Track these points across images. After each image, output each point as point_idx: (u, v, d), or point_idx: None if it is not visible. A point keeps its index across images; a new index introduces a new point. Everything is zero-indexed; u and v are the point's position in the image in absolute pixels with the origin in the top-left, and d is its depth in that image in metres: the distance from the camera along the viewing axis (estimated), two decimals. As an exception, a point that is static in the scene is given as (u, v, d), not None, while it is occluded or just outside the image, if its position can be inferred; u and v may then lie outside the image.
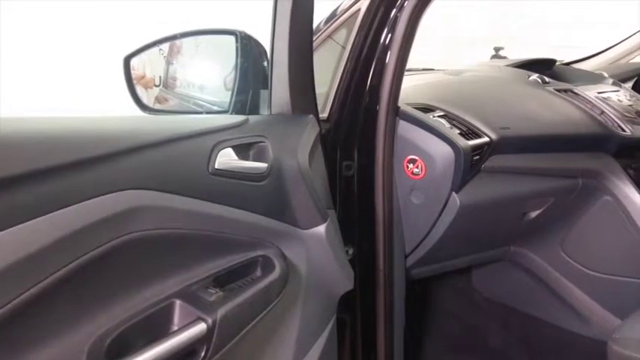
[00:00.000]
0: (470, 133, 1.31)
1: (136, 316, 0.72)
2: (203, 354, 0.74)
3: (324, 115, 1.19)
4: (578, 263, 1.73)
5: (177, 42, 1.19)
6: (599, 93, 1.75)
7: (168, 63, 1.21)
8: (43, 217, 0.60)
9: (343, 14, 1.27)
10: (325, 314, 1.08)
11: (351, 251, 1.19)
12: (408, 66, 1.24)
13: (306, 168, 0.95)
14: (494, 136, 1.32)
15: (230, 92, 1.09)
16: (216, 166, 0.83)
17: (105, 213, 0.66)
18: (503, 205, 1.45)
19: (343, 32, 1.25)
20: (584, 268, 1.72)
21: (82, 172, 0.66)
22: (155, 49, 1.18)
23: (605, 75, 1.98)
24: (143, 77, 1.19)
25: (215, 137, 0.85)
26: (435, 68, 1.95)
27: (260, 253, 0.90)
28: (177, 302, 0.76)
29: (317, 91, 1.09)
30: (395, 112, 1.25)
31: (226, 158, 0.86)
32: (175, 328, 0.75)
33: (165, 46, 1.19)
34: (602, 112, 1.64)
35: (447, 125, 1.30)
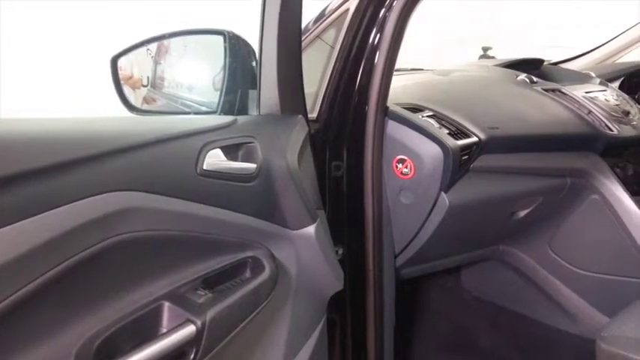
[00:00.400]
0: (458, 132, 1.31)
1: (125, 319, 0.71)
2: (192, 356, 0.74)
3: (313, 115, 1.19)
4: (566, 262, 1.74)
5: (165, 42, 1.18)
6: (586, 93, 1.77)
7: (156, 63, 1.21)
8: (31, 219, 0.60)
9: (332, 14, 1.27)
10: (315, 315, 1.08)
11: (340, 251, 1.19)
12: (397, 66, 1.24)
13: (295, 168, 0.95)
14: (482, 136, 1.32)
15: (218, 92, 1.08)
16: (204, 167, 0.82)
17: (93, 214, 0.66)
18: (492, 205, 1.46)
19: (332, 32, 1.25)
20: (572, 267, 1.73)
21: (70, 173, 0.66)
22: (143, 49, 1.17)
23: (593, 75, 1.99)
24: (131, 78, 1.18)
25: (203, 138, 0.85)
26: (424, 68, 1.96)
27: (249, 254, 0.89)
28: (166, 304, 0.76)
29: (306, 91, 1.09)
30: (384, 112, 1.25)
31: (215, 159, 0.85)
32: (164, 330, 0.75)
33: (153, 46, 1.19)
34: (590, 112, 1.66)
35: (436, 125, 1.30)
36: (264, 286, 0.87)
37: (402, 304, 1.43)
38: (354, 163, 1.22)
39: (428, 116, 1.33)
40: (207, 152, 0.84)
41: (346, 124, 1.21)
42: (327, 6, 1.31)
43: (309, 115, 1.13)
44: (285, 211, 0.95)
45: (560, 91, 1.72)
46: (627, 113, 1.79)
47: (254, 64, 1.06)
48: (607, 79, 2.02)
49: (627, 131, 1.71)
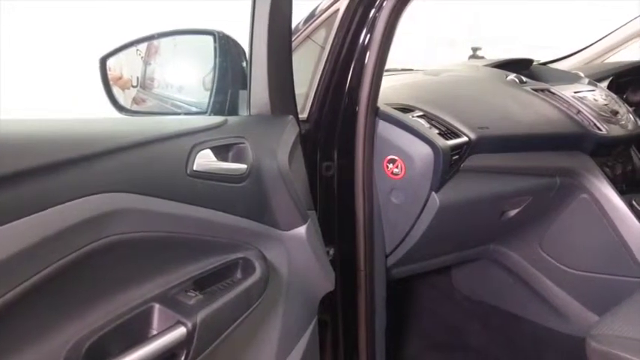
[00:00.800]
0: (449, 132, 1.31)
1: (115, 321, 0.71)
2: (183, 358, 0.73)
3: (303, 115, 1.19)
4: (556, 261, 1.75)
5: (155, 42, 1.18)
6: (575, 92, 1.78)
7: (146, 63, 1.20)
8: (19, 221, 0.59)
9: (322, 14, 1.27)
10: (306, 315, 1.08)
11: (331, 252, 1.19)
12: (387, 66, 1.25)
13: (285, 169, 0.95)
14: (472, 136, 1.33)
15: (208, 93, 1.08)
16: (194, 168, 0.82)
17: (82, 216, 0.65)
18: (483, 204, 1.46)
19: (322, 32, 1.25)
20: (562, 266, 1.74)
21: (59, 174, 0.65)
22: (132, 50, 1.16)
23: (581, 75, 2.00)
24: (120, 78, 1.17)
25: (193, 138, 0.85)
26: (414, 68, 1.96)
27: (240, 255, 0.89)
28: (157, 306, 0.75)
29: (296, 91, 1.09)
30: (374, 112, 1.25)
31: (205, 160, 0.85)
32: (155, 332, 0.74)
33: (143, 47, 1.18)
34: (579, 112, 1.67)
35: (426, 125, 1.30)
36: (255, 287, 0.86)
37: (393, 304, 1.43)
38: (345, 164, 1.22)
39: (418, 116, 1.33)
40: (197, 153, 0.83)
41: (337, 124, 1.21)
42: (317, 6, 1.31)
43: (300, 116, 1.13)
44: (275, 211, 0.95)
45: (549, 91, 1.72)
46: (616, 113, 1.80)
47: (244, 64, 1.06)
48: (596, 79, 2.03)
49: (616, 131, 1.72)
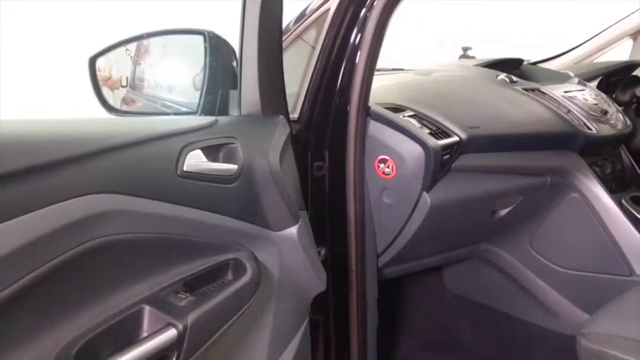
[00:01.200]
0: (440, 132, 1.31)
1: (105, 324, 0.70)
2: None
3: (294, 115, 1.18)
4: (546, 260, 1.75)
5: (145, 42, 1.17)
6: (565, 92, 1.78)
7: (136, 63, 1.19)
8: (6, 223, 0.58)
9: (313, 14, 1.26)
10: (298, 316, 1.07)
11: (323, 252, 1.19)
12: (378, 66, 1.24)
13: (277, 169, 0.94)
14: (463, 136, 1.33)
15: (199, 93, 1.07)
16: (185, 169, 0.82)
17: (71, 218, 0.65)
18: (474, 204, 1.47)
19: (313, 32, 1.25)
20: (553, 265, 1.74)
21: (47, 175, 0.64)
22: (122, 49, 1.15)
23: (571, 74, 2.01)
24: (109, 79, 1.16)
25: (184, 139, 0.84)
26: (405, 68, 1.96)
27: (231, 256, 0.89)
28: (147, 308, 0.75)
29: (287, 91, 1.08)
30: (365, 111, 1.25)
31: (195, 160, 0.84)
32: (145, 334, 0.74)
33: (132, 46, 1.17)
34: (569, 111, 1.67)
35: (417, 125, 1.30)
36: (246, 288, 0.86)
37: (384, 303, 1.43)
38: (336, 164, 1.22)
39: (409, 116, 1.33)
40: (187, 153, 0.83)
41: (328, 124, 1.21)
42: (308, 6, 1.31)
43: (291, 116, 1.12)
44: (267, 212, 0.95)
45: (539, 91, 1.73)
46: (605, 112, 1.81)
47: (234, 64, 1.06)
48: (585, 79, 2.04)
49: (605, 130, 1.73)
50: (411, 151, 1.27)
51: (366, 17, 1.19)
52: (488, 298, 1.96)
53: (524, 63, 2.10)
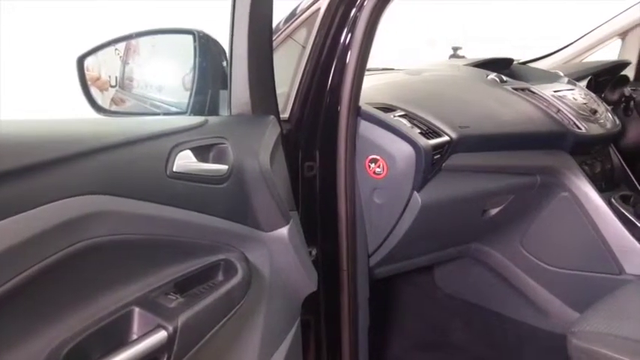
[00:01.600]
0: (430, 132, 1.31)
1: (94, 326, 0.70)
2: None
3: (285, 115, 1.18)
4: (537, 258, 1.76)
5: (134, 41, 1.16)
6: (555, 91, 1.79)
7: (125, 63, 1.18)
8: None
9: (303, 14, 1.26)
10: (289, 316, 1.07)
11: (314, 252, 1.18)
12: (369, 65, 1.24)
13: (267, 169, 0.94)
14: (454, 135, 1.33)
15: (188, 93, 1.07)
16: (174, 169, 0.81)
17: (60, 219, 0.64)
18: (464, 203, 1.47)
19: (303, 32, 1.24)
20: (543, 264, 1.75)
21: (36, 176, 0.64)
22: (110, 49, 1.15)
23: (561, 74, 2.02)
24: (98, 79, 1.15)
25: (173, 139, 0.84)
26: (395, 68, 1.96)
27: (222, 257, 0.88)
28: (137, 310, 0.74)
29: (277, 91, 1.08)
30: (356, 111, 1.25)
31: (185, 160, 0.84)
32: (135, 336, 0.73)
33: (121, 46, 1.16)
34: (559, 111, 1.68)
35: (408, 125, 1.30)
36: (236, 289, 0.85)
37: (375, 303, 1.43)
38: (327, 164, 1.22)
39: (400, 116, 1.33)
40: (177, 154, 0.82)
41: (318, 124, 1.21)
42: (298, 5, 1.30)
43: (281, 116, 1.12)
44: (257, 212, 0.94)
45: (529, 90, 1.74)
46: (595, 112, 1.82)
47: (224, 63, 1.05)
48: (575, 78, 2.05)
49: (595, 129, 1.74)
50: (402, 150, 1.27)
51: (356, 17, 1.19)
52: (479, 297, 1.96)
53: (514, 63, 2.10)
